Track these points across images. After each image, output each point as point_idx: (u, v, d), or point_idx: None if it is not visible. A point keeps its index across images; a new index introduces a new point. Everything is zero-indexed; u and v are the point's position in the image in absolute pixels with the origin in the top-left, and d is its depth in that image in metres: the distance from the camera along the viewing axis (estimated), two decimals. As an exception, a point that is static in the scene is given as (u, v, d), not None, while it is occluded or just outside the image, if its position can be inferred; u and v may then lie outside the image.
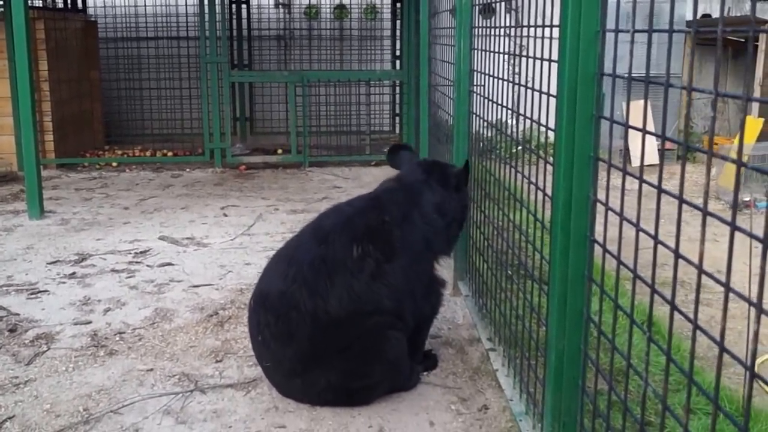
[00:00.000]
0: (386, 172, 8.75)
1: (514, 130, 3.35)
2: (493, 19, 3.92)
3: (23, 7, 5.81)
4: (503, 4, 3.56)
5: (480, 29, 4.15)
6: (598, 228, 2.37)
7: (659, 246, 1.87)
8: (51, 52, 8.98)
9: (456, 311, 4.40)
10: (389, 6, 11.90)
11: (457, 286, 4.64)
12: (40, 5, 10.98)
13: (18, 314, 4.38)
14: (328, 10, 11.97)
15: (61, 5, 11.44)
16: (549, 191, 2.64)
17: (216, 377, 3.59)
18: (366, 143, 10.08)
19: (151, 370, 3.68)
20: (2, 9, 8.33)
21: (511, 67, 3.44)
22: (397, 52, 11.43)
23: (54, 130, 9.01)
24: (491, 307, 3.84)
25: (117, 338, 4.05)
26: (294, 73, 10.06)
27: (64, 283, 4.95)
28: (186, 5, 11.49)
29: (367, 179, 8.36)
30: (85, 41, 10.25)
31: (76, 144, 9.73)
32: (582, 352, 2.49)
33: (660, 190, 1.84)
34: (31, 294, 4.73)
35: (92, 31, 10.62)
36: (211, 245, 5.81)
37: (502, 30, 3.69)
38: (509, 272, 3.51)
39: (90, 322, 4.28)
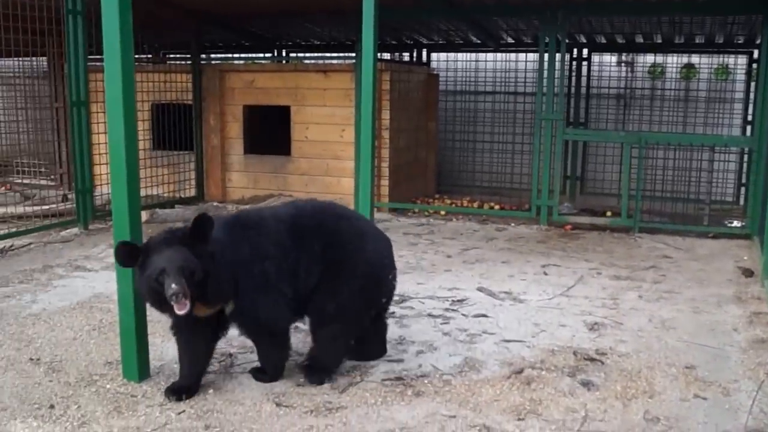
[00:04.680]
0: (724, 246, 8.05)
1: None
2: None
3: (372, 59, 6.22)
4: None
5: None
6: None
7: None
8: (394, 102, 9.58)
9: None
10: (744, 66, 11.07)
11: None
12: (389, 58, 11.85)
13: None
14: (674, 69, 11.44)
15: (407, 58, 12.27)
16: None
17: (517, 437, 3.44)
18: (704, 213, 9.32)
19: (454, 417, 3.63)
20: (354, 60, 9.08)
21: None
22: (749, 117, 10.58)
23: (390, 176, 9.59)
24: None
25: (425, 380, 4.08)
26: (631, 134, 9.69)
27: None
28: (526, 61, 11.69)
29: (702, 252, 7.70)
30: (426, 93, 10.81)
31: (409, 190, 10.24)
32: None
33: None
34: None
35: (434, 83, 11.18)
36: (528, 302, 5.68)
37: None
38: None
39: (402, 361, 4.37)
